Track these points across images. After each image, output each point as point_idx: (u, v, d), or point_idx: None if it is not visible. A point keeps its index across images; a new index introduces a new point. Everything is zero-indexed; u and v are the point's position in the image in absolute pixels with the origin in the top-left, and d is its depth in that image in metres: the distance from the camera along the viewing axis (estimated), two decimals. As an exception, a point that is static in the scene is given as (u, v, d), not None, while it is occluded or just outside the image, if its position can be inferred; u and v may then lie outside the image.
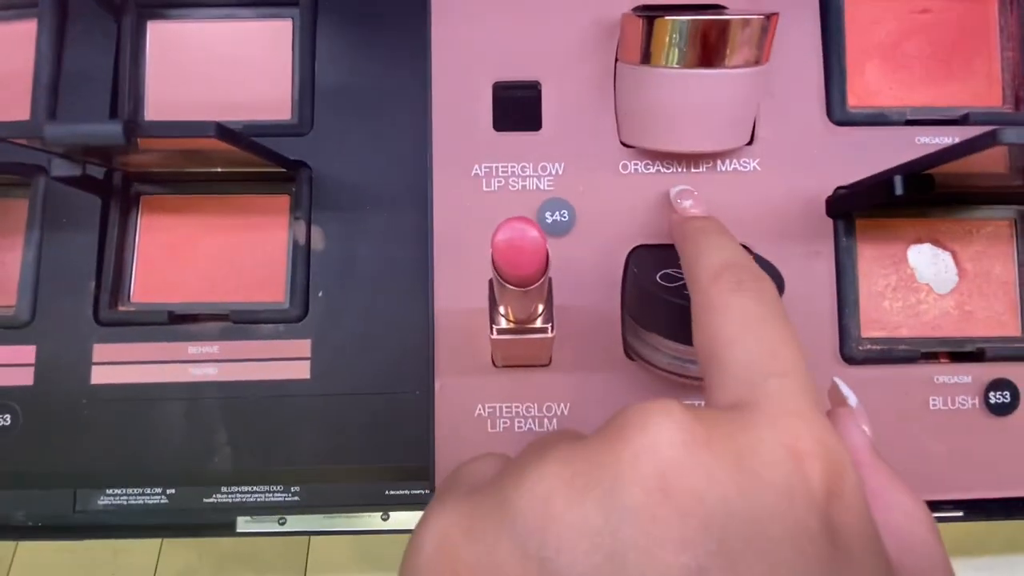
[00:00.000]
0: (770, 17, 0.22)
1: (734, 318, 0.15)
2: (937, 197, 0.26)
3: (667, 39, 0.22)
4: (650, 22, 0.22)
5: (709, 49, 0.22)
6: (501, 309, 0.20)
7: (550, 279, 0.22)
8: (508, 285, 0.17)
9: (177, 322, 0.27)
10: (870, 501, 0.13)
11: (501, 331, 0.20)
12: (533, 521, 0.11)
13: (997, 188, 0.26)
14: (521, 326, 0.20)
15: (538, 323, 0.21)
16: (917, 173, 0.21)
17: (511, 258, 0.16)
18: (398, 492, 0.28)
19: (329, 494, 0.28)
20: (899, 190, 0.21)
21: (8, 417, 0.27)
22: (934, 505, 0.25)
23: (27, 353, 0.27)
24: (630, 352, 0.25)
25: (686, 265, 0.19)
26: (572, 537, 0.11)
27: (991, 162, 0.21)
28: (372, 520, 0.29)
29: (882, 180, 0.22)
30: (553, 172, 0.25)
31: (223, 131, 0.21)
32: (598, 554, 0.11)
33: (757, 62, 0.22)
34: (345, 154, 0.28)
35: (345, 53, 0.29)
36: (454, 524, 0.12)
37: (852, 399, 0.18)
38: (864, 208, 0.25)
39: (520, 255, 0.16)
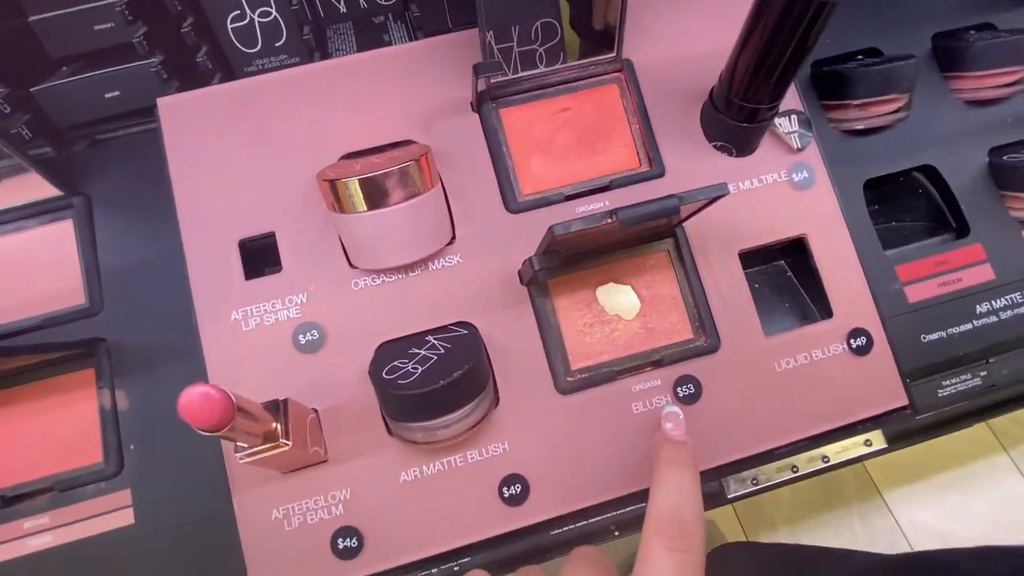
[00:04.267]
0: (419, 159, 0.29)
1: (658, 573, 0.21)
2: (607, 247, 0.33)
3: (347, 194, 0.28)
4: (332, 184, 0.29)
5: (377, 196, 0.28)
6: (237, 441, 0.25)
7: (285, 401, 0.27)
8: (204, 432, 0.22)
9: (9, 504, 0.31)
10: None
11: (244, 456, 0.25)
12: None
13: (654, 229, 0.33)
14: (262, 447, 0.25)
15: (280, 439, 0.26)
16: (544, 252, 0.28)
17: (190, 416, 0.21)
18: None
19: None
20: (537, 266, 0.28)
21: None
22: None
23: None
24: (391, 432, 0.30)
25: (651, 492, 0.24)
26: None
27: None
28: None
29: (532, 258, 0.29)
30: (298, 302, 0.31)
31: (5, 351, 0.26)
32: None
33: (419, 193, 0.29)
34: (134, 323, 0.33)
35: (121, 238, 0.34)
36: None
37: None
38: (541, 274, 0.32)
39: (200, 412, 0.21)
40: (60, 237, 0.34)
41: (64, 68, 0.41)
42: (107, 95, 0.39)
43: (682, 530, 0.22)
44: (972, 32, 0.42)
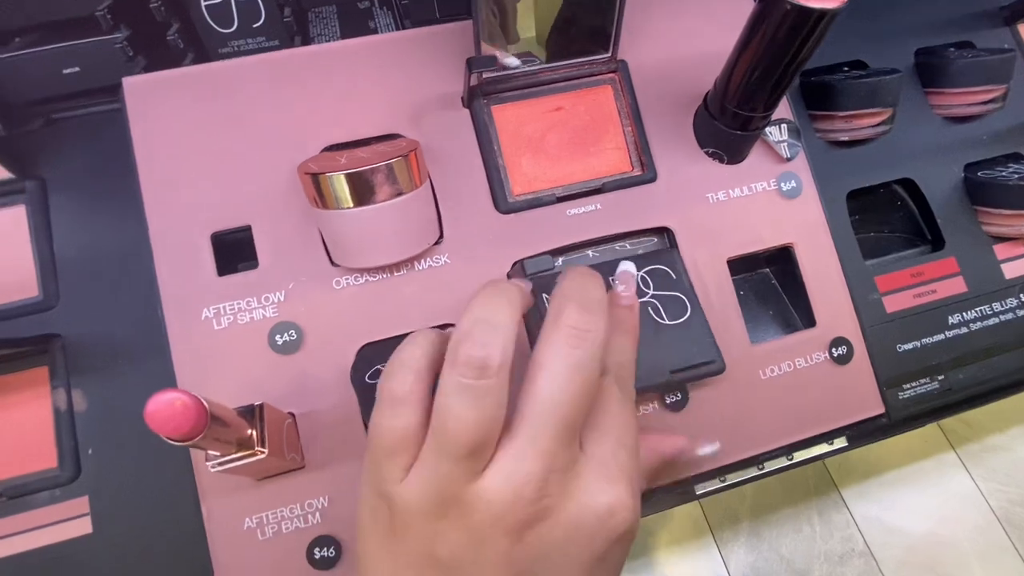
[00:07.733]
0: (407, 155, 0.27)
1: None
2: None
3: (330, 189, 0.27)
4: (314, 177, 0.27)
5: (362, 192, 0.27)
6: (209, 449, 0.24)
7: (261, 406, 0.26)
8: (174, 442, 0.20)
9: (-49, 514, 0.28)
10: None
11: (216, 465, 0.24)
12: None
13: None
14: (235, 455, 0.24)
15: (256, 447, 0.24)
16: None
17: (158, 425, 0.19)
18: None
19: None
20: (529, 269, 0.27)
21: None
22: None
23: None
24: (371, 437, 0.29)
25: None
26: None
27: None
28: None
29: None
30: (275, 300, 0.29)
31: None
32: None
33: (407, 190, 0.28)
34: (92, 318, 0.30)
35: (79, 226, 0.31)
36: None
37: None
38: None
39: (169, 422, 0.20)
40: (11, 224, 0.32)
41: (17, 40, 0.38)
42: (66, 71, 0.36)
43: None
44: (952, 49, 0.43)
